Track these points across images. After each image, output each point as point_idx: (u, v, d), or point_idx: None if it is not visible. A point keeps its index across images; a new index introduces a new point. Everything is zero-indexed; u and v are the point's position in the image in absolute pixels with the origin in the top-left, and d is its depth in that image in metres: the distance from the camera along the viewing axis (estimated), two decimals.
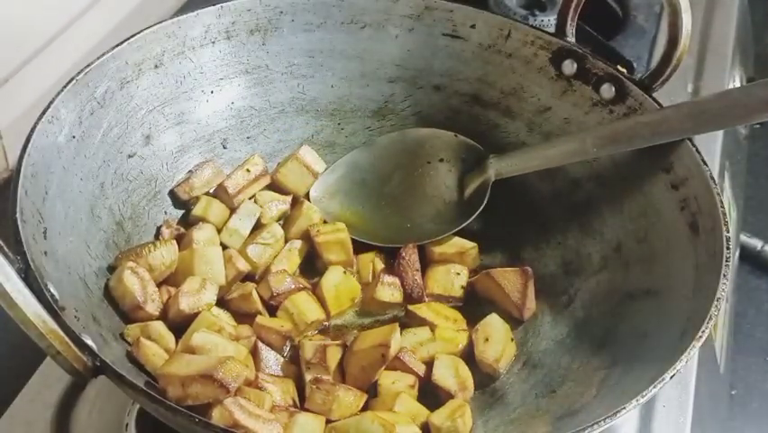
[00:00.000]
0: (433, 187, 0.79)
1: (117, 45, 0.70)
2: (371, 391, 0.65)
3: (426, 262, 0.75)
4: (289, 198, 0.77)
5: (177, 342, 0.64)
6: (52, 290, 0.54)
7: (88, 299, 0.62)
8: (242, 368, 0.58)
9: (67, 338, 0.51)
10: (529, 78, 0.78)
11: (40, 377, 0.71)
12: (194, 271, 0.68)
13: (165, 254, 0.67)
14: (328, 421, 0.61)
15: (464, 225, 0.75)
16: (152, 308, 0.65)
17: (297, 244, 0.74)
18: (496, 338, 0.67)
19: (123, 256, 0.67)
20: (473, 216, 0.75)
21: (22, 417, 0.68)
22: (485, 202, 0.75)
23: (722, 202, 0.64)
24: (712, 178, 0.66)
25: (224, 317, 0.67)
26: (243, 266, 0.70)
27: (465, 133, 0.80)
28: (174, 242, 0.69)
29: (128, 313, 0.65)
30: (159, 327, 0.63)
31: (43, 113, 0.63)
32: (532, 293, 0.72)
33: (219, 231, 0.73)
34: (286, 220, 0.77)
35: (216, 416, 0.56)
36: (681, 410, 0.74)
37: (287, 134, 0.80)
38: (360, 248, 0.75)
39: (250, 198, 0.76)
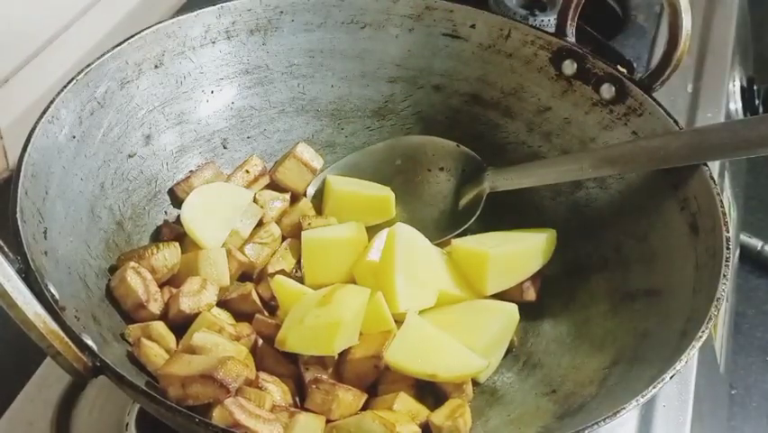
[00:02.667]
0: (430, 195, 0.79)
1: (117, 45, 0.70)
2: (371, 390, 0.65)
3: None
4: (288, 195, 0.77)
5: (178, 342, 0.64)
6: (52, 290, 0.54)
7: (89, 299, 0.62)
8: (243, 368, 0.58)
9: (67, 338, 0.51)
10: (529, 78, 0.78)
11: (40, 377, 0.71)
12: (199, 273, 0.68)
13: (168, 257, 0.67)
14: (328, 421, 0.61)
15: (454, 234, 0.75)
16: (155, 307, 0.65)
17: (293, 242, 0.74)
18: None
19: (126, 257, 0.67)
20: (464, 227, 0.76)
21: (23, 417, 0.68)
22: (477, 213, 0.76)
23: (722, 202, 0.64)
24: (712, 178, 0.66)
25: (225, 317, 0.67)
26: (244, 258, 0.71)
27: (465, 134, 0.80)
28: (177, 244, 0.69)
29: (130, 313, 0.65)
30: (159, 328, 0.63)
31: (43, 113, 0.63)
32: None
33: None
34: (281, 215, 0.77)
35: (217, 416, 0.56)
36: (681, 410, 0.74)
37: (287, 134, 0.80)
38: None
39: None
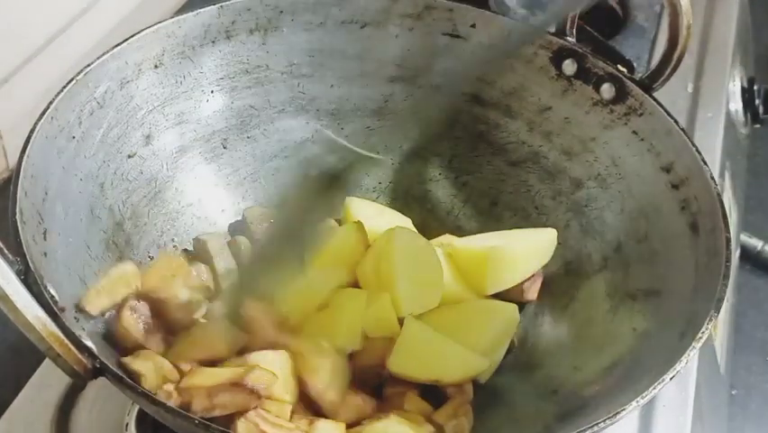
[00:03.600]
0: None
1: (117, 45, 0.70)
2: (376, 391, 0.65)
3: None
4: None
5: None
6: (52, 291, 0.53)
7: None
8: (269, 375, 0.57)
9: (67, 340, 0.51)
10: (529, 78, 0.78)
11: (40, 378, 0.71)
12: None
13: None
14: (348, 426, 0.60)
15: None
16: (154, 344, 0.62)
17: None
18: None
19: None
20: None
21: (23, 417, 0.68)
22: None
23: (722, 202, 0.64)
24: (712, 178, 0.66)
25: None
26: None
27: (465, 133, 0.80)
28: None
29: (131, 352, 0.61)
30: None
31: (43, 113, 0.63)
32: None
33: None
34: None
35: (242, 429, 0.55)
36: (681, 410, 0.74)
37: (287, 134, 0.80)
38: None
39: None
